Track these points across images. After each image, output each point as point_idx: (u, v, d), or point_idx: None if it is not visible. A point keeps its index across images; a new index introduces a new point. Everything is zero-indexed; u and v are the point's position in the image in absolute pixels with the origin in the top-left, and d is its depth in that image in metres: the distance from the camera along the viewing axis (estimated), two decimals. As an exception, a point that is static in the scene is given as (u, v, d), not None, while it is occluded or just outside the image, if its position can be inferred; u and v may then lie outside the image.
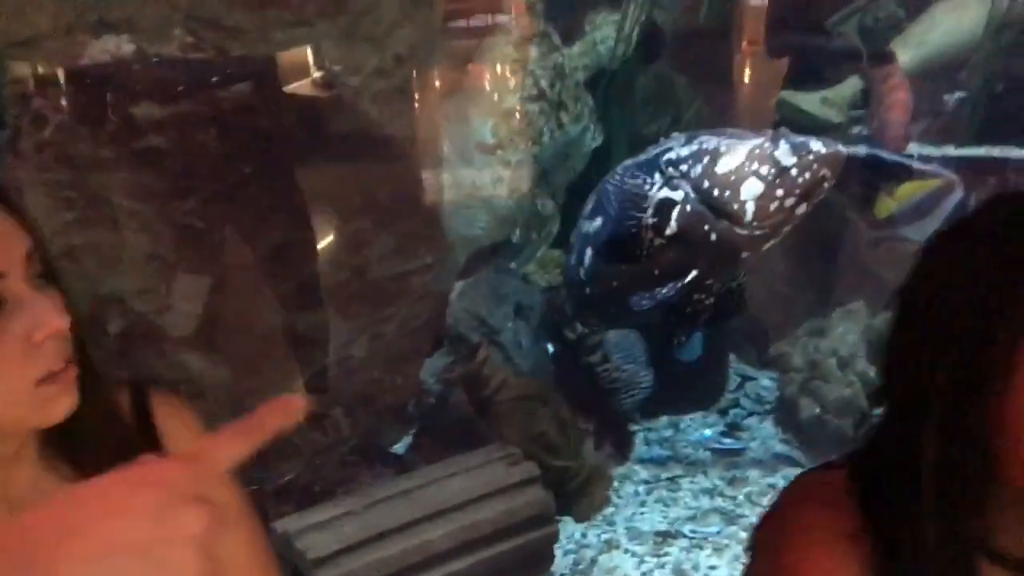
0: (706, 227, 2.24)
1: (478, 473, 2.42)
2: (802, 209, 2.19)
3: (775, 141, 2.18)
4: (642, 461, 3.19)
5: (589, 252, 2.55)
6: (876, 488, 0.78)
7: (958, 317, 0.73)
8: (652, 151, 2.44)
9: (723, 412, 3.57)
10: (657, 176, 2.33)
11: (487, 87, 3.61)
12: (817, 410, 3.14)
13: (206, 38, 2.20)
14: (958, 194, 3.01)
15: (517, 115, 3.59)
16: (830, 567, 0.77)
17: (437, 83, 3.50)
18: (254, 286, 2.35)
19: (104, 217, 2.03)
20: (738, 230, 2.21)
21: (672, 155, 2.31)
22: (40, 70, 1.98)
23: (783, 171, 2.14)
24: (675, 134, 2.50)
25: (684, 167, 2.28)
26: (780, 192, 2.15)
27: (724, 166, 2.20)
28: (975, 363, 0.71)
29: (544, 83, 3.66)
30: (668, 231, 2.29)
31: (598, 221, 2.51)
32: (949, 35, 3.39)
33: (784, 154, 2.15)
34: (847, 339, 3.22)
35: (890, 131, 3.08)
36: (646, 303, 2.38)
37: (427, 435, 2.81)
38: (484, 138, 3.52)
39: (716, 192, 2.20)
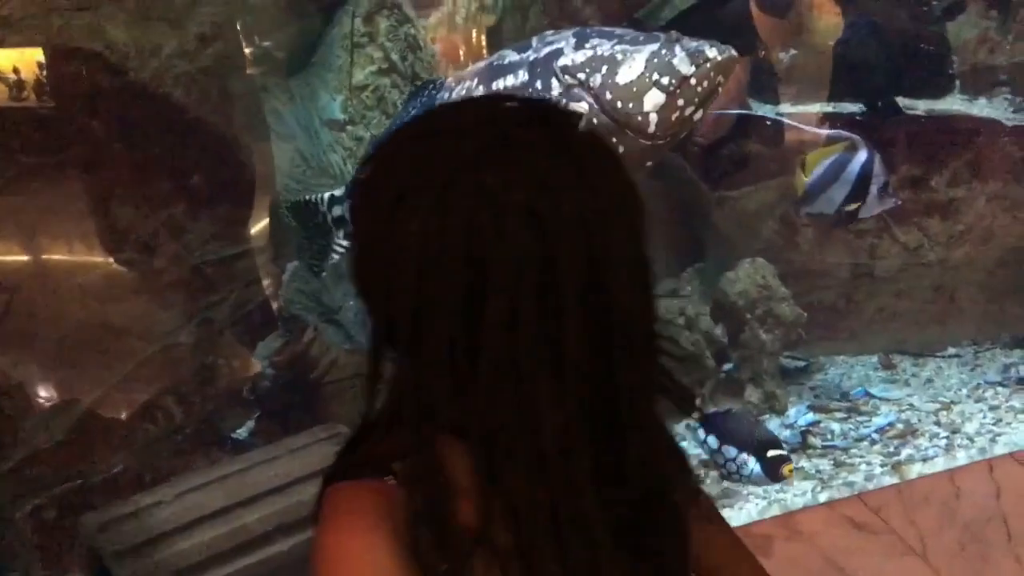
0: (613, 140, 2.15)
1: (301, 454, 2.43)
2: (698, 115, 2.19)
3: (670, 47, 2.13)
4: (498, 430, 3.22)
5: None
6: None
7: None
8: (540, 49, 2.30)
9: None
10: (554, 83, 2.24)
11: (335, 62, 3.55)
12: (665, 370, 3.20)
13: (-24, 27, 2.13)
14: (863, 154, 2.88)
15: (368, 90, 3.54)
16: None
17: (279, 58, 3.44)
18: (55, 280, 2.31)
19: None
20: (642, 141, 2.17)
21: (567, 60, 2.23)
22: None
23: (683, 80, 2.11)
24: (556, 33, 2.34)
25: (582, 75, 2.19)
26: (681, 102, 2.12)
27: (625, 76, 2.15)
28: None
29: (395, 56, 3.62)
30: None
31: None
32: (790, -9, 3.41)
33: (682, 62, 2.11)
34: (694, 298, 3.28)
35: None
36: None
37: (268, 419, 2.81)
38: (334, 114, 3.48)
39: (620, 104, 2.15)
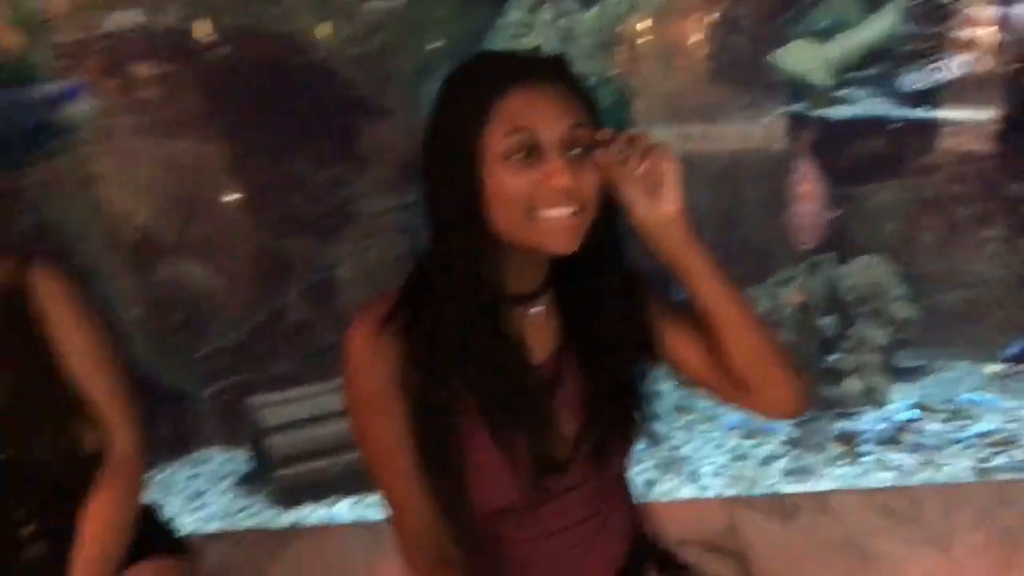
0: None
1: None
2: None
3: None
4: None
5: None
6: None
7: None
8: None
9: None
10: None
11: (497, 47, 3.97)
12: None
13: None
14: None
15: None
16: (372, 357, 0.96)
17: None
18: (242, 215, 2.93)
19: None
20: None
21: None
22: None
23: None
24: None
25: None
26: None
27: None
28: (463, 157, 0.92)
29: (551, 47, 3.98)
30: None
31: None
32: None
33: None
34: (810, 288, 3.37)
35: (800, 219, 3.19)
36: None
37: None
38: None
39: None
